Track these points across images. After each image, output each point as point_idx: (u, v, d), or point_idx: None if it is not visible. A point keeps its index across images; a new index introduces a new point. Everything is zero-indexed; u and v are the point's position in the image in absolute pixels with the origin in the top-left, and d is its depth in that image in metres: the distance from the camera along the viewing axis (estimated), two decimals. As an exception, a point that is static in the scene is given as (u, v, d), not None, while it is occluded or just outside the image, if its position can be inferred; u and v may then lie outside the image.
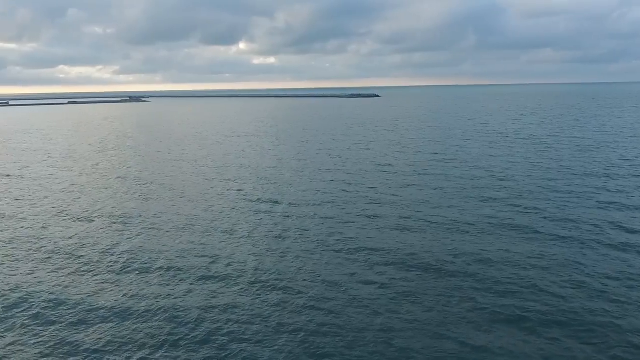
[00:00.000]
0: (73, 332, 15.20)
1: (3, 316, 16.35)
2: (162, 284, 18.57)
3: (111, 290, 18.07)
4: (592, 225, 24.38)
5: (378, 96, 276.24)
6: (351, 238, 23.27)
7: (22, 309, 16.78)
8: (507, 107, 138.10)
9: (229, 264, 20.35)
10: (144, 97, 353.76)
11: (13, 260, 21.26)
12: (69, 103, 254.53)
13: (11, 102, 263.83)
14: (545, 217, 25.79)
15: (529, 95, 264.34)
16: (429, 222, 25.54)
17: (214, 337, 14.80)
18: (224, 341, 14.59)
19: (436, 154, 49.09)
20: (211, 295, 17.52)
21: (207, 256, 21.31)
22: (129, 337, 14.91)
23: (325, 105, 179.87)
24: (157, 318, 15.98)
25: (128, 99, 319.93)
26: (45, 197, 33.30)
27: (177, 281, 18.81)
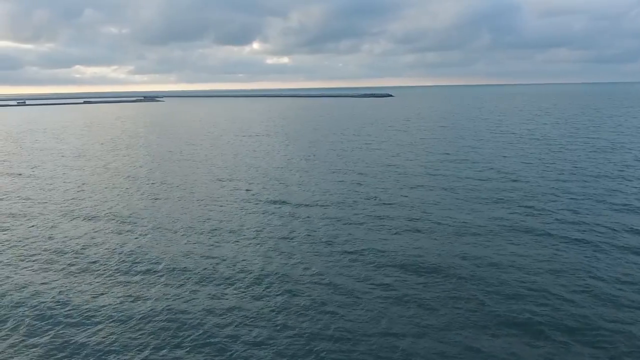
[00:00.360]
0: (79, 332, 15.16)
1: (9, 315, 16.38)
2: (167, 285, 18.48)
3: (117, 291, 18.03)
4: (606, 228, 23.90)
5: (391, 96, 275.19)
6: (360, 239, 23.02)
7: (28, 308, 16.78)
8: (520, 107, 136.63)
9: (235, 265, 20.21)
10: (158, 97, 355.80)
11: (21, 260, 21.34)
12: (84, 103, 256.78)
13: (28, 102, 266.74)
14: (557, 220, 25.35)
15: (543, 95, 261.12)
16: (439, 223, 25.19)
17: (217, 339, 14.66)
18: (228, 342, 14.46)
19: (448, 154, 48.65)
20: (216, 297, 17.39)
21: (214, 257, 21.20)
22: (133, 337, 14.83)
23: (337, 105, 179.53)
24: (162, 319, 15.88)
25: (142, 98, 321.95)
26: (56, 196, 33.50)
27: (183, 282, 18.72)
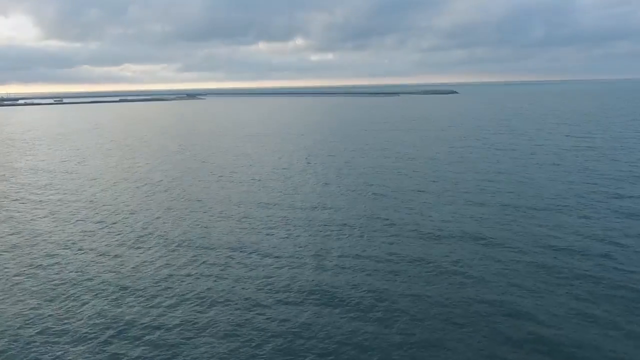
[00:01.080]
0: (65, 340, 14.51)
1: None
2: (161, 289, 17.71)
3: (99, 302, 17.07)
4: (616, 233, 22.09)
5: (457, 92, 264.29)
6: (361, 244, 21.99)
7: (15, 311, 16.25)
8: (573, 107, 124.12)
9: (226, 271, 19.32)
10: (200, 95, 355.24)
11: (12, 263, 20.65)
12: (119, 101, 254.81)
13: (65, 100, 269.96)
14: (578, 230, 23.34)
15: (599, 92, 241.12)
16: (442, 229, 23.76)
17: (203, 349, 13.84)
18: (215, 351, 13.63)
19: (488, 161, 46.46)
20: (202, 309, 16.51)
21: (208, 263, 20.36)
22: (112, 353, 13.99)
23: (382, 105, 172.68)
24: (153, 324, 15.19)
25: (185, 96, 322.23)
26: (57, 198, 32.42)
27: (179, 285, 17.90)
